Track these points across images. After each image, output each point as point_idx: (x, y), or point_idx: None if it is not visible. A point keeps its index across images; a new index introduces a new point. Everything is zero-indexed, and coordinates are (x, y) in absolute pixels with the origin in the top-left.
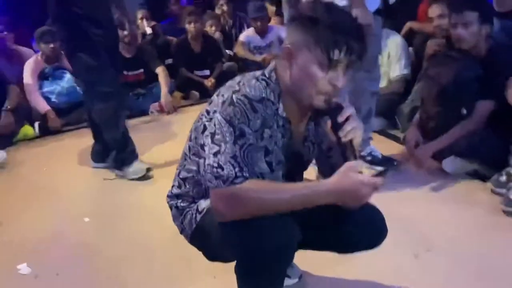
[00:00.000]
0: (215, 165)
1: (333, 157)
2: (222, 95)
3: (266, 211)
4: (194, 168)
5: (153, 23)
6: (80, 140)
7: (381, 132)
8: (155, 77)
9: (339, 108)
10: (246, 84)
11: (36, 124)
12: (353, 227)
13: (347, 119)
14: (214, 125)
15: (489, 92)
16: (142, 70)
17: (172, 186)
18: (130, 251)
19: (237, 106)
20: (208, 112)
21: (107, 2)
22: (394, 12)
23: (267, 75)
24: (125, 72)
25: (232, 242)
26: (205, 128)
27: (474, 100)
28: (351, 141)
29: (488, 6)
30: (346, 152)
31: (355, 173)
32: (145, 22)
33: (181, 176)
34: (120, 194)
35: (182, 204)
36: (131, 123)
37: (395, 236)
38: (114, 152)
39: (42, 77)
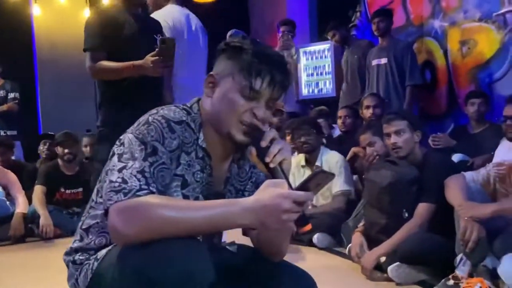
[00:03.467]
0: (119, 180)
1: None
2: (138, 120)
3: (173, 231)
4: (99, 212)
5: None
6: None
7: (327, 249)
8: None
9: (260, 133)
10: (165, 108)
11: None
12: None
13: (271, 142)
14: (123, 145)
15: (428, 194)
16: (81, 189)
17: (73, 241)
18: None
19: (152, 124)
20: (119, 139)
21: None
22: (339, 143)
23: (188, 105)
24: (62, 190)
25: (130, 274)
26: (113, 154)
27: (414, 203)
28: (280, 165)
29: (415, 116)
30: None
31: (274, 188)
32: (88, 148)
33: (84, 227)
34: None
35: (80, 258)
36: (62, 242)
37: None
38: None
39: None
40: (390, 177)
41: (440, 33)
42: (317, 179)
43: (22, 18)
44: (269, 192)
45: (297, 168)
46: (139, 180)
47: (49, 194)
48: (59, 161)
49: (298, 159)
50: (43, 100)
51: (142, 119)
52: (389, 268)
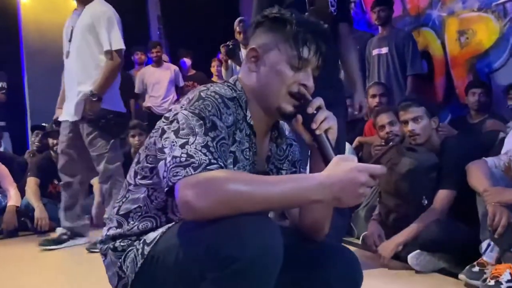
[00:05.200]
0: (184, 155)
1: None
2: (187, 97)
3: (248, 206)
4: (142, 194)
5: None
6: None
7: None
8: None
9: (307, 101)
10: (214, 85)
11: None
12: (325, 267)
13: (317, 110)
14: (178, 122)
15: (449, 180)
16: None
17: (108, 229)
18: None
19: (207, 100)
20: (167, 117)
21: None
22: None
23: (232, 82)
24: (55, 182)
25: (204, 253)
26: (164, 132)
27: (434, 190)
28: (326, 133)
29: (431, 103)
30: (323, 148)
31: (347, 162)
32: None
33: (122, 212)
34: None
35: (122, 244)
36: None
37: None
38: None
39: None
40: (409, 164)
41: (438, 23)
42: (389, 154)
43: (8, 4)
44: (342, 166)
45: None
46: (205, 154)
47: (42, 187)
48: (51, 152)
49: None
50: (30, 90)
51: (192, 96)
52: (410, 256)
